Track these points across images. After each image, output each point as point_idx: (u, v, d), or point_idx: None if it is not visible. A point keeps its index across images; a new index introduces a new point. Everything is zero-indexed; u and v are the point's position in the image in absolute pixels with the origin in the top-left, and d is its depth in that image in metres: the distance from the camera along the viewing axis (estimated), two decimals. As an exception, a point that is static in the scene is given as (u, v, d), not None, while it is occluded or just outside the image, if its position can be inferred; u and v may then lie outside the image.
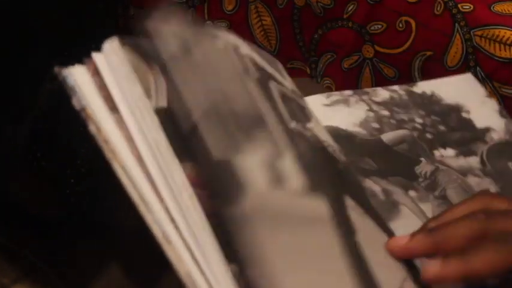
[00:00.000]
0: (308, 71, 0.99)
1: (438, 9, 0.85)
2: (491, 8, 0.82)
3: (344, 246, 0.49)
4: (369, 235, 0.52)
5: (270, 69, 0.59)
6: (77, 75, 0.48)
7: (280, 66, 0.63)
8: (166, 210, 0.45)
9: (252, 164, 0.48)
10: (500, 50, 0.81)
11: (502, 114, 0.72)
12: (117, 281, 0.67)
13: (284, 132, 0.53)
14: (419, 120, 0.68)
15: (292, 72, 0.97)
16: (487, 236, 0.49)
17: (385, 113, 0.68)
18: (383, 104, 0.69)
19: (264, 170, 0.49)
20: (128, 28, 1.00)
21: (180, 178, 0.45)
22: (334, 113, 0.66)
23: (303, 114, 0.58)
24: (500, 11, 0.82)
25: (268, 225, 0.46)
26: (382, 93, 0.70)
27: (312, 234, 0.48)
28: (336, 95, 0.68)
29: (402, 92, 0.71)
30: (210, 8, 0.99)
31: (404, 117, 0.68)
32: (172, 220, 0.44)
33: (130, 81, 0.48)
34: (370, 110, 0.67)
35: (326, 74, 0.97)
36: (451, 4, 0.84)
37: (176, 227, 0.44)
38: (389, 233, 0.54)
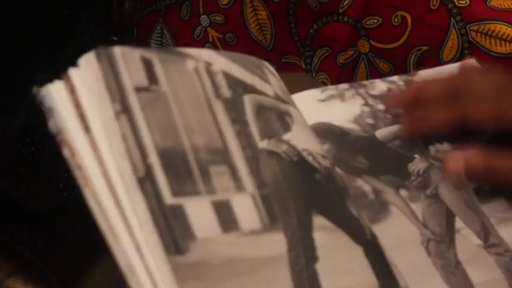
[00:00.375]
0: (303, 65, 0.99)
1: (434, 3, 0.85)
2: (487, 2, 0.82)
3: (297, 283, 0.49)
4: (337, 254, 0.53)
5: (249, 78, 0.59)
6: (55, 94, 0.48)
7: (266, 68, 0.62)
8: (134, 241, 0.45)
9: (204, 208, 0.49)
10: (496, 45, 0.81)
11: None
12: (109, 274, 0.67)
13: (248, 160, 0.53)
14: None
15: (287, 67, 0.97)
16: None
17: (381, 107, 0.67)
18: (379, 97, 0.68)
19: (216, 213, 0.49)
20: (122, 21, 0.99)
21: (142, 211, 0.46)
22: (328, 108, 0.66)
23: (282, 124, 0.58)
24: (496, 5, 0.82)
25: (215, 273, 0.46)
26: (380, 86, 0.69)
27: (262, 277, 0.48)
28: (331, 90, 0.67)
29: (401, 83, 0.70)
30: (205, 1, 0.98)
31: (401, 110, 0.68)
32: (138, 249, 0.45)
33: (103, 100, 0.48)
34: (366, 104, 0.67)
35: (321, 69, 0.97)
36: (447, -1, 0.84)
37: (142, 257, 0.45)
38: (366, 244, 0.55)
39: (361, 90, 0.68)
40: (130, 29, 1.05)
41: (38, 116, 0.59)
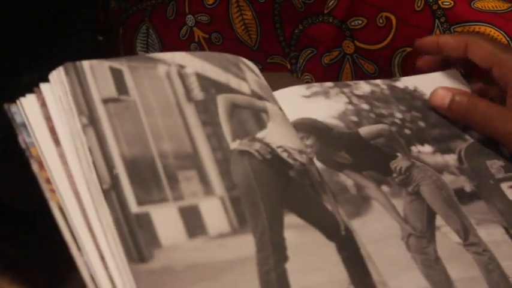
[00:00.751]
0: (288, 66, 0.99)
1: (419, 5, 0.85)
2: (472, 4, 0.83)
3: (264, 284, 0.49)
4: (308, 252, 0.53)
5: (224, 77, 0.60)
6: (27, 107, 0.49)
7: (244, 64, 0.63)
8: (98, 251, 0.46)
9: (171, 215, 0.49)
10: (479, 47, 0.81)
11: None
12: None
13: (218, 163, 0.54)
14: (399, 115, 0.69)
15: (273, 67, 0.97)
16: None
17: (365, 106, 0.68)
18: (363, 97, 0.69)
19: (183, 219, 0.50)
20: (108, 21, 0.99)
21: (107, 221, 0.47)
22: (312, 104, 0.66)
23: (257, 122, 0.59)
24: (480, 7, 0.82)
25: (179, 279, 0.47)
26: (364, 87, 0.70)
27: (228, 280, 0.49)
28: (316, 87, 0.68)
29: (384, 87, 0.71)
30: (191, 1, 0.98)
31: (384, 111, 0.68)
32: (103, 259, 0.46)
33: (71, 113, 0.49)
34: (350, 103, 0.68)
35: (306, 69, 0.97)
36: (431, 0, 0.84)
37: (105, 267, 0.45)
38: (340, 240, 0.55)
39: (346, 90, 0.69)
40: (116, 28, 1.04)
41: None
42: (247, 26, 0.98)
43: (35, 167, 0.47)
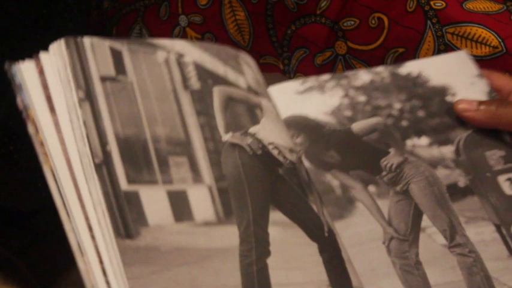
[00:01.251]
0: (281, 66, 0.99)
1: (411, 6, 0.85)
2: (463, 5, 0.83)
3: (245, 276, 0.50)
4: (290, 250, 0.54)
5: (222, 69, 0.60)
6: (25, 72, 0.50)
7: (242, 59, 0.63)
8: (87, 221, 0.47)
9: (159, 197, 0.50)
10: (471, 48, 0.82)
11: (491, 97, 0.70)
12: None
13: (209, 152, 0.55)
14: (397, 105, 0.68)
15: (265, 68, 0.97)
16: None
17: (362, 98, 0.67)
18: (361, 88, 0.68)
19: (171, 203, 0.51)
20: (101, 21, 0.99)
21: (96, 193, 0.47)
22: (305, 101, 0.66)
23: (250, 117, 0.59)
24: (472, 8, 0.82)
25: (163, 260, 0.48)
26: (363, 77, 0.69)
27: (211, 267, 0.50)
28: (311, 81, 0.67)
29: (385, 74, 0.70)
30: (184, 1, 0.98)
31: (382, 102, 0.68)
32: (90, 229, 0.46)
33: (68, 86, 0.50)
34: (346, 96, 0.67)
35: (299, 70, 0.98)
36: (423, 1, 0.84)
37: (93, 237, 0.46)
38: (322, 241, 0.56)
39: (344, 81, 0.68)
40: (109, 28, 1.04)
41: (15, 114, 0.59)
42: (240, 26, 0.98)
43: (31, 128, 0.48)
